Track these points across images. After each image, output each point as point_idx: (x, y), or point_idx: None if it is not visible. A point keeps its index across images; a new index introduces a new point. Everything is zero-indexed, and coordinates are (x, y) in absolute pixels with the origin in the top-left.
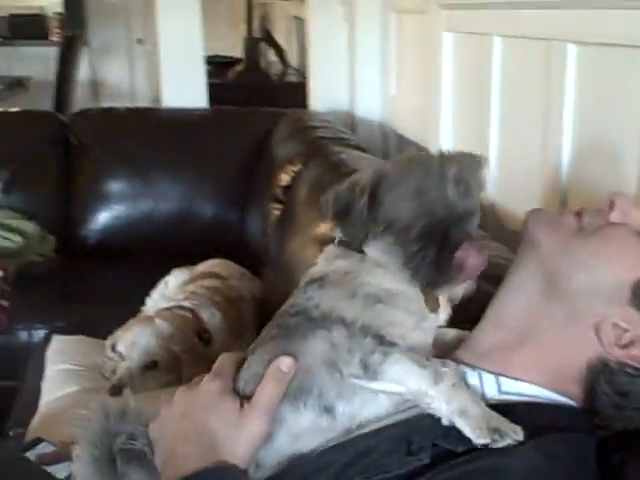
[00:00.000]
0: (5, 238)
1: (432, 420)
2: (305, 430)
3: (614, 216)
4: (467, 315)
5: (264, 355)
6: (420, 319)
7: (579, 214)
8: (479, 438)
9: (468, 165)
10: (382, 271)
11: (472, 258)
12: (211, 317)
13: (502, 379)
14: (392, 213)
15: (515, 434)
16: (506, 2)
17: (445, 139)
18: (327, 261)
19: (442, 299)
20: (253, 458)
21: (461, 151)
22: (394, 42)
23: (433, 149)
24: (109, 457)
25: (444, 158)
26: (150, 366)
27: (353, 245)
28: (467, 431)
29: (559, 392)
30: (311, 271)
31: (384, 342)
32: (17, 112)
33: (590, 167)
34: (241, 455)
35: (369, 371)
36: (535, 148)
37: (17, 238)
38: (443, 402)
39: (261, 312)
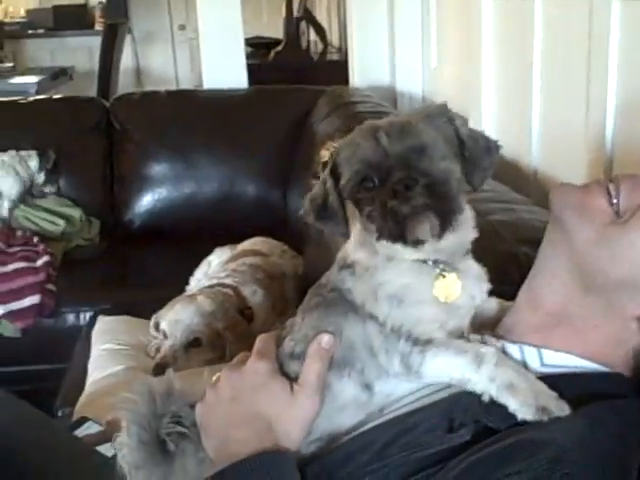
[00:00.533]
0: (50, 222)
1: (474, 397)
2: (347, 403)
3: None
4: (508, 277)
5: (312, 320)
6: (453, 307)
7: (613, 183)
8: (526, 414)
9: (415, 113)
10: (394, 265)
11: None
12: (253, 294)
13: (544, 351)
14: (344, 180)
15: (563, 412)
16: None
17: (487, 106)
18: (354, 247)
19: (457, 283)
20: (305, 438)
21: None
22: (434, 13)
23: (476, 118)
24: (157, 440)
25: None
26: (193, 344)
27: (342, 237)
28: (513, 405)
29: (603, 363)
30: (343, 253)
31: (419, 342)
32: (59, 99)
33: (636, 128)
34: (294, 436)
35: (411, 371)
36: (579, 111)
37: (61, 221)
38: (487, 382)
39: (303, 289)
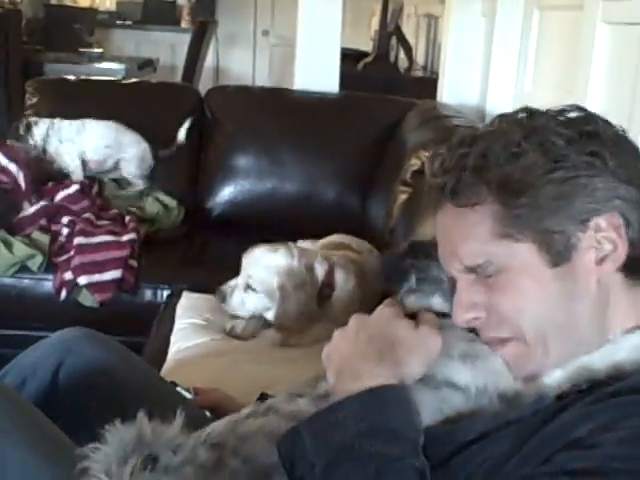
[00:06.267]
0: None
1: None
2: None
3: None
4: None
5: None
6: None
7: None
8: None
9: None
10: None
11: None
12: (345, 281)
13: None
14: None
15: None
16: None
17: None
18: None
19: None
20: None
21: None
22: (534, 39)
23: None
24: None
25: None
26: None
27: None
28: None
29: None
30: None
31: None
32: (156, 83)
33: None
34: (418, 369)
35: None
36: None
37: (158, 207)
38: None
39: (384, 293)
